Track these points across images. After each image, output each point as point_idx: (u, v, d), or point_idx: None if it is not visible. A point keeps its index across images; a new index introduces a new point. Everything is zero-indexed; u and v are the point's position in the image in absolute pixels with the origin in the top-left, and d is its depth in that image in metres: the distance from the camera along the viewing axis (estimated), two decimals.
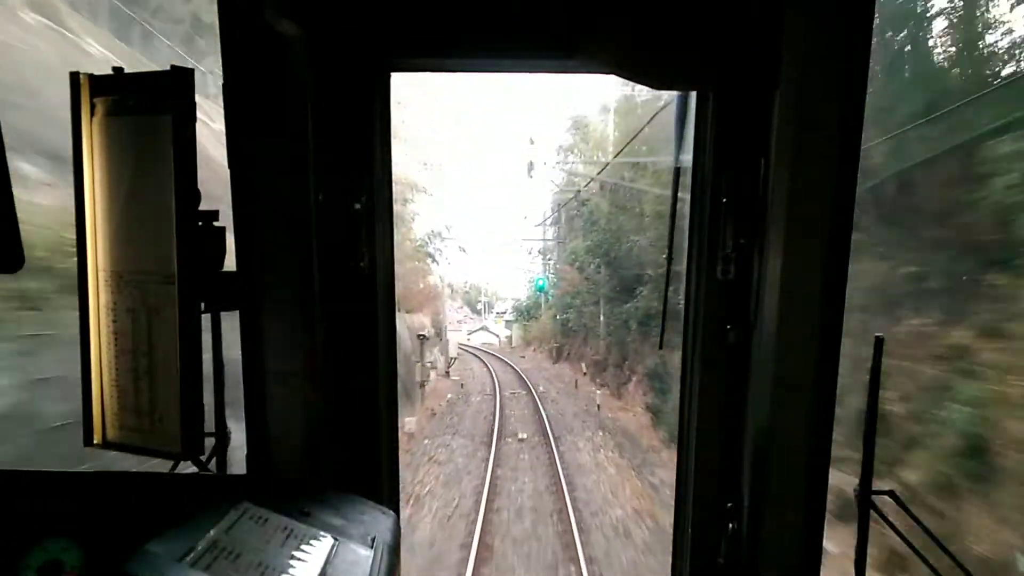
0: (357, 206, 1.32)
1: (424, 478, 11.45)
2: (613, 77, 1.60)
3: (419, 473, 11.71)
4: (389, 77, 1.39)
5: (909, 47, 8.15)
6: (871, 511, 1.23)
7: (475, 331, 49.60)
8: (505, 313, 47.97)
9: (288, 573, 0.86)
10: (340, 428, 1.38)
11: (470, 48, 1.31)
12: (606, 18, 1.24)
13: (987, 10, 7.37)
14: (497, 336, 45.93)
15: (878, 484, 1.23)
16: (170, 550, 0.78)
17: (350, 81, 1.31)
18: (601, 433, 14.84)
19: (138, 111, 1.20)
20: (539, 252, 32.78)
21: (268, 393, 1.29)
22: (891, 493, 1.29)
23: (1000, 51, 7.17)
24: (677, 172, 1.53)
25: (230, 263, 1.27)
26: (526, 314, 38.23)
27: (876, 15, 1.15)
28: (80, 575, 0.86)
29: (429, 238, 26.76)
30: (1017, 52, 6.92)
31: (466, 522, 9.22)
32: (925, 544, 1.28)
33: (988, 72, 7.20)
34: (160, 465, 1.26)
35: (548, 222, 31.68)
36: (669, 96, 1.35)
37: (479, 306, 62.11)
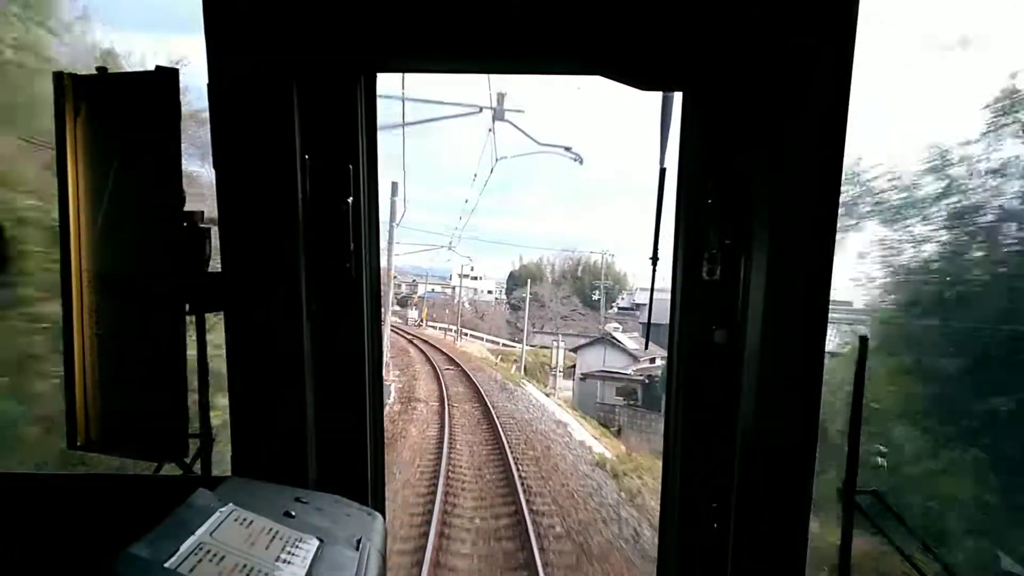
0: (343, 206, 1.31)
1: None
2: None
3: None
4: (375, 77, 1.38)
5: None
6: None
7: (585, 344, 22.01)
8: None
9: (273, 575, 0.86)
10: (325, 429, 1.37)
11: (455, 49, 1.30)
12: (592, 20, 1.25)
13: None
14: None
15: None
16: (154, 552, 0.78)
17: (336, 80, 1.30)
18: None
19: (123, 112, 1.19)
20: None
21: (253, 394, 1.29)
22: (875, 493, 1.31)
23: None
24: (663, 173, 1.53)
25: (216, 264, 1.27)
26: None
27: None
28: None
29: None
30: None
31: None
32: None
33: None
34: (144, 467, 1.26)
35: None
36: None
37: (595, 295, 31.18)
